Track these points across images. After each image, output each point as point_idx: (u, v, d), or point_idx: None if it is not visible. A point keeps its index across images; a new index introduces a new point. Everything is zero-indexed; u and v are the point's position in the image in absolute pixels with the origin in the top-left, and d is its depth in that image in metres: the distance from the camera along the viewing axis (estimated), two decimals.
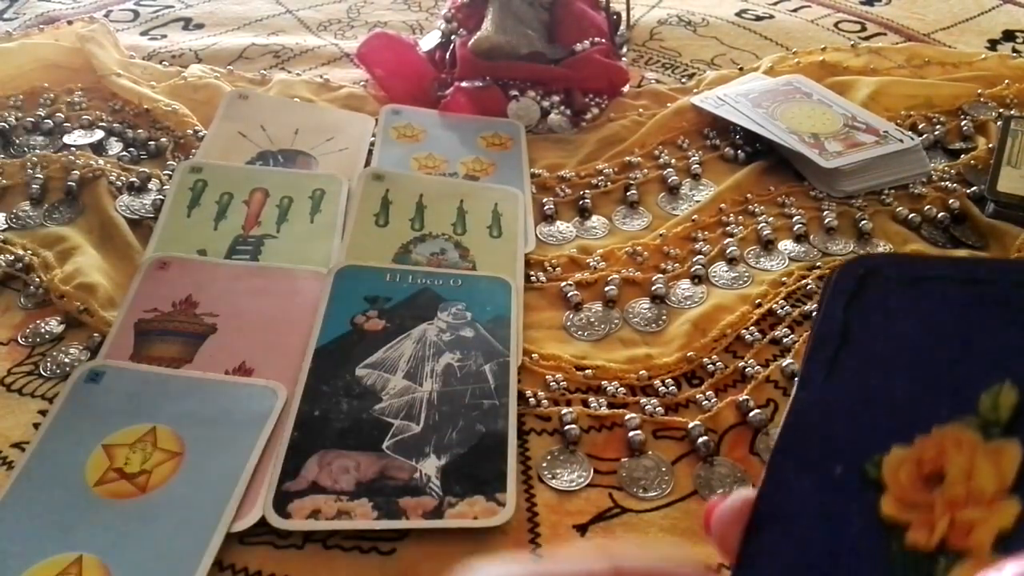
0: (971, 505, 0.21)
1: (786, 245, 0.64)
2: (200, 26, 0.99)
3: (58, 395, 0.49)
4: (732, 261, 0.62)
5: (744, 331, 0.56)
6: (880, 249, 0.63)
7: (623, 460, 0.48)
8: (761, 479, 0.25)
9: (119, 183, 0.68)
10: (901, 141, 0.70)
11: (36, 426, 0.49)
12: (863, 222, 0.65)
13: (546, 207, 0.67)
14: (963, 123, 0.77)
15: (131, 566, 0.40)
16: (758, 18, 1.01)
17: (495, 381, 0.51)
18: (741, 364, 0.53)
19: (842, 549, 0.22)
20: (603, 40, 0.81)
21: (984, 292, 0.23)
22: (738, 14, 1.02)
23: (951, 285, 0.24)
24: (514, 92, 0.78)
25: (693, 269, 0.61)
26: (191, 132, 0.74)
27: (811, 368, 0.25)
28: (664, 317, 0.58)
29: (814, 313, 0.28)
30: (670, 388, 0.52)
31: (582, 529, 0.44)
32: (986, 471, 0.21)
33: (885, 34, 0.98)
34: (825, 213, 0.66)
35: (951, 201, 0.68)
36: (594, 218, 0.68)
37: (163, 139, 0.74)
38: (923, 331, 0.24)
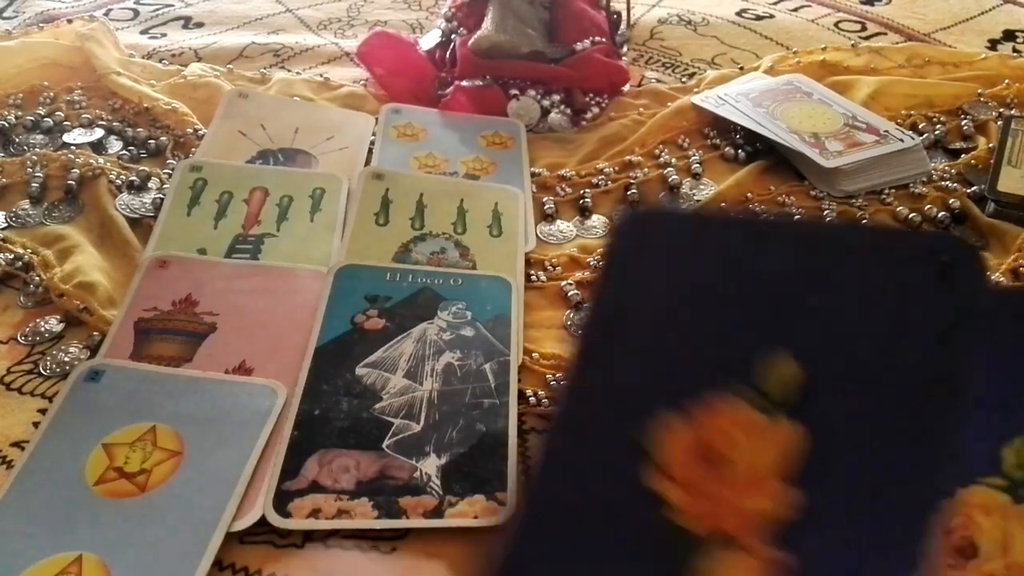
0: (744, 490, 0.19)
1: None
2: (200, 25, 0.99)
3: (57, 394, 0.49)
4: None
5: None
6: None
7: None
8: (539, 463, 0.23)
9: (119, 182, 0.68)
10: (901, 141, 0.70)
11: (36, 425, 0.49)
12: (864, 221, 0.65)
13: (546, 206, 0.67)
14: (963, 123, 0.77)
15: (131, 565, 0.40)
16: (758, 17, 1.01)
17: (495, 380, 0.51)
18: None
19: (613, 519, 0.21)
20: (603, 39, 0.81)
21: (765, 246, 0.21)
22: (738, 13, 1.02)
23: (733, 238, 0.22)
24: (514, 91, 0.78)
25: None
26: (191, 131, 0.74)
27: (592, 329, 0.23)
28: None
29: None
30: None
31: None
32: (764, 453, 0.19)
33: (885, 34, 0.98)
34: (825, 212, 0.66)
35: (951, 201, 0.67)
36: (594, 217, 0.67)
37: (163, 138, 0.74)
38: (695, 290, 0.22)
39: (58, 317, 0.56)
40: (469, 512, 0.44)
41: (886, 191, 0.69)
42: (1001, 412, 0.21)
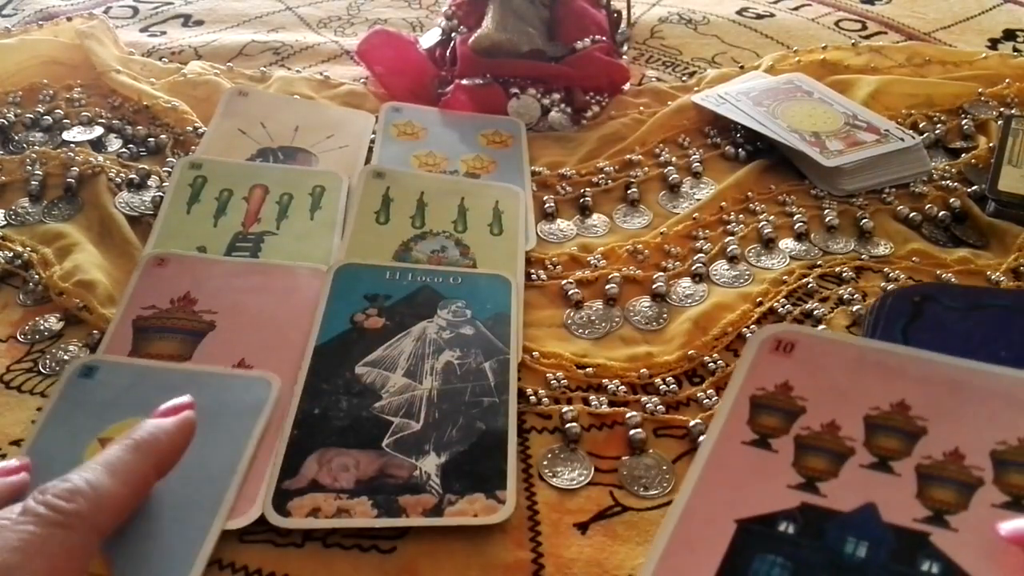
0: None
1: (787, 243, 0.64)
2: (200, 23, 0.99)
3: (51, 390, 0.49)
4: (733, 259, 0.62)
5: (745, 329, 0.56)
6: (881, 248, 0.63)
7: (624, 458, 0.48)
8: None
9: (118, 180, 0.67)
10: (902, 140, 0.70)
11: (35, 423, 0.48)
12: (864, 221, 0.65)
13: (547, 205, 0.67)
14: (964, 122, 0.77)
15: (131, 557, 0.40)
16: (759, 16, 1.01)
17: (495, 379, 0.51)
18: None
19: None
20: (604, 38, 0.81)
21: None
22: (739, 12, 1.02)
23: (1004, 313, 0.25)
24: (515, 90, 0.78)
25: (694, 267, 0.61)
26: (191, 129, 0.74)
27: None
28: (665, 315, 0.58)
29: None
30: (671, 386, 0.52)
31: (583, 527, 0.44)
32: None
33: (886, 33, 0.98)
34: (826, 212, 0.66)
35: (952, 200, 0.67)
36: (595, 216, 0.67)
37: (163, 136, 0.74)
38: (978, 352, 0.24)
39: (57, 315, 0.56)
40: (469, 511, 0.44)
41: (887, 190, 0.69)
42: None
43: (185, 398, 0.42)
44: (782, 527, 0.26)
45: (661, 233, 0.65)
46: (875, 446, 0.28)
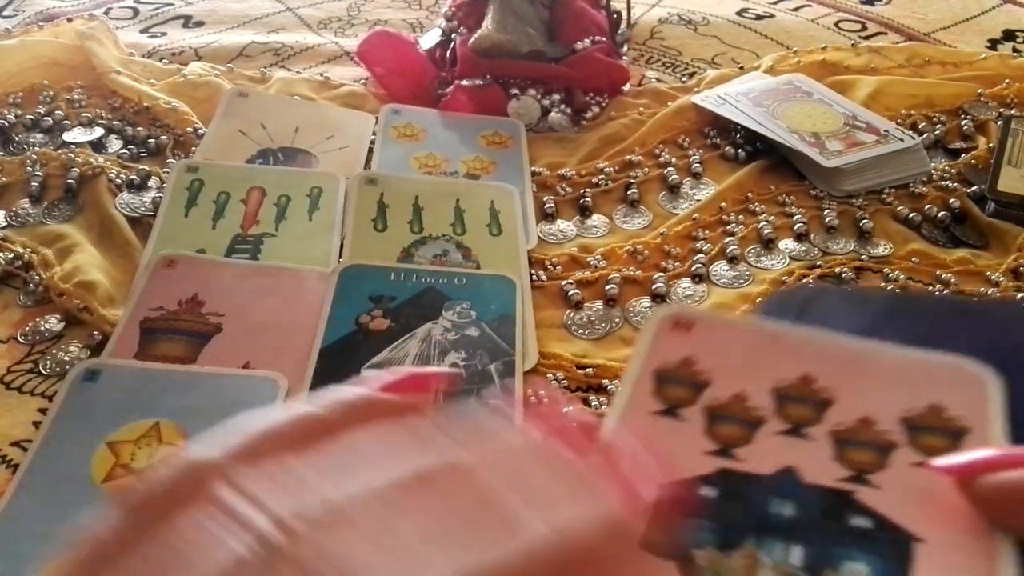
0: None
1: (787, 244, 0.64)
2: (200, 24, 0.99)
3: (56, 395, 0.49)
4: (733, 260, 0.62)
5: None
6: (880, 248, 0.63)
7: None
8: None
9: (119, 181, 0.67)
10: (902, 140, 0.70)
11: (36, 424, 0.48)
12: (864, 221, 0.65)
13: (547, 206, 0.67)
14: (963, 123, 0.77)
15: None
16: (758, 17, 1.01)
17: (500, 381, 0.51)
18: None
19: None
20: (604, 39, 0.81)
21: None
22: (739, 13, 1.02)
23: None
24: (514, 91, 0.78)
25: (694, 268, 0.61)
26: (191, 130, 0.74)
27: None
28: None
29: None
30: None
31: None
32: None
33: (885, 33, 0.98)
34: (826, 212, 0.66)
35: (951, 200, 0.68)
36: (595, 217, 0.67)
37: (163, 137, 0.74)
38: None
39: (58, 316, 0.56)
40: None
41: (886, 191, 0.69)
42: None
43: (437, 371, 0.28)
44: (703, 492, 0.26)
45: (661, 234, 0.65)
46: (786, 415, 0.29)
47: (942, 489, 0.25)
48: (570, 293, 0.59)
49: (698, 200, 0.69)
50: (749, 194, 0.69)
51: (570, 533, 0.18)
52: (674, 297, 0.59)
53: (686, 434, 0.28)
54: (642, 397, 0.29)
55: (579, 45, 0.80)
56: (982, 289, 0.59)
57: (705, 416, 0.29)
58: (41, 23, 0.92)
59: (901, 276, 0.60)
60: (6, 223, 0.64)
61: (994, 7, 1.03)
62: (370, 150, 0.73)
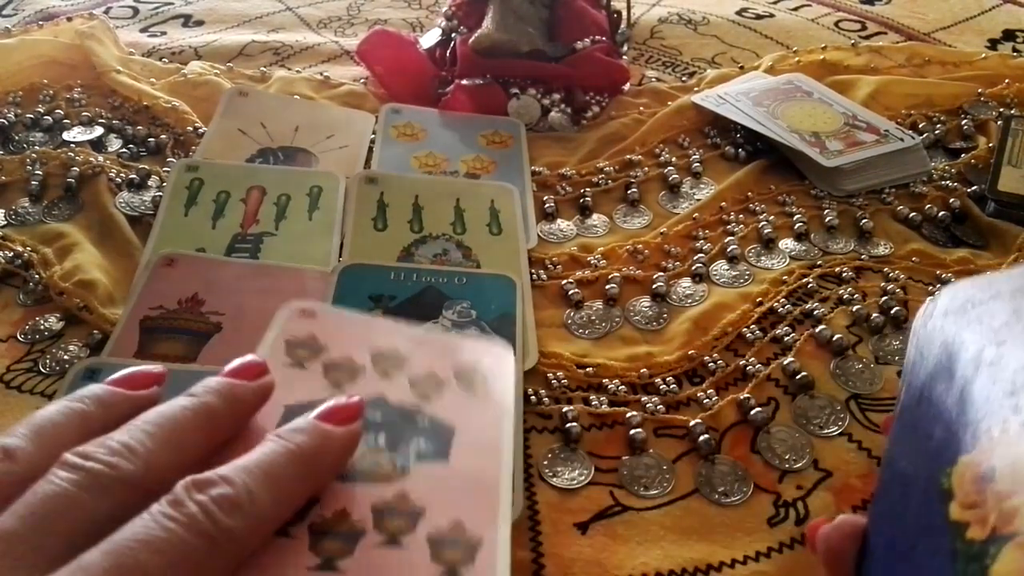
0: (1016, 494, 0.22)
1: (787, 243, 0.64)
2: (200, 23, 0.99)
3: (55, 395, 0.49)
4: (733, 259, 0.62)
5: (745, 329, 0.56)
6: (880, 248, 0.63)
7: (624, 458, 0.48)
8: (870, 508, 0.27)
9: (119, 180, 0.67)
10: (902, 140, 0.70)
11: None
12: (864, 221, 0.65)
13: (547, 205, 0.67)
14: (963, 122, 0.77)
15: None
16: (758, 17, 1.01)
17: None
18: (742, 362, 0.53)
19: (921, 554, 0.25)
20: (604, 38, 0.81)
21: None
22: (739, 13, 1.02)
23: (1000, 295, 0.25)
24: (515, 90, 0.78)
25: (694, 267, 0.61)
26: (191, 129, 0.74)
27: (907, 400, 0.27)
28: (665, 315, 0.58)
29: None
30: (671, 386, 0.52)
31: (583, 527, 0.44)
32: None
33: (885, 33, 0.98)
34: (826, 212, 0.66)
35: (952, 200, 0.68)
36: (595, 216, 0.67)
37: (163, 136, 0.74)
38: (977, 339, 0.25)
39: (58, 315, 0.56)
40: None
41: (886, 190, 0.69)
42: None
43: (356, 399, 0.32)
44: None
45: (661, 233, 0.65)
46: (379, 368, 0.39)
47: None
48: (570, 292, 0.59)
49: (698, 200, 0.69)
50: (749, 194, 0.69)
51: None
52: (674, 296, 0.59)
53: (308, 380, 0.37)
54: (275, 359, 0.39)
55: (579, 44, 0.80)
56: None
57: (323, 368, 0.39)
58: (41, 22, 0.92)
59: (901, 276, 0.60)
60: (6, 222, 0.64)
61: (994, 7, 1.04)
62: (370, 149, 0.73)
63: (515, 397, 0.44)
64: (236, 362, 0.33)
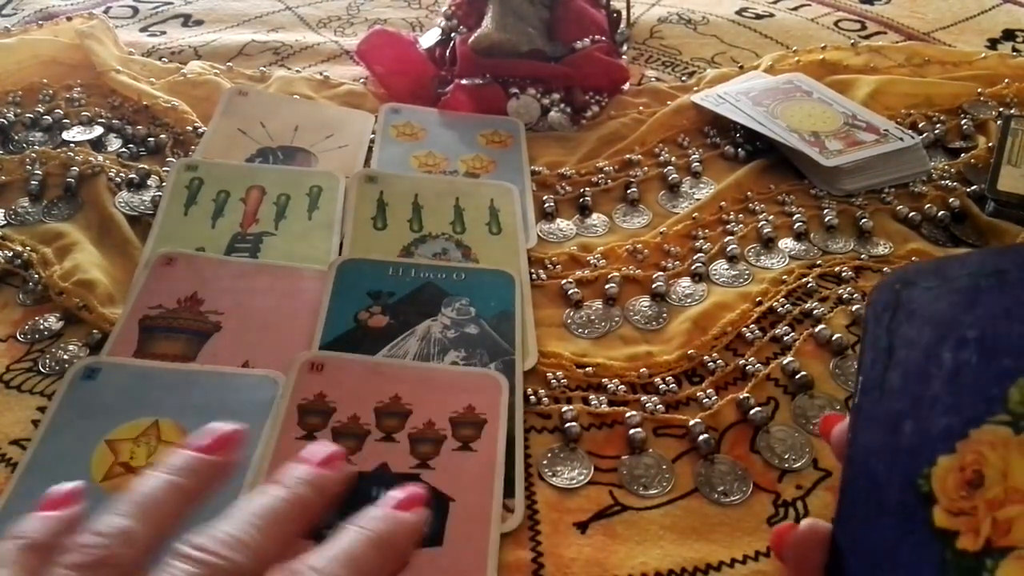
0: (1009, 503, 0.21)
1: (786, 243, 0.64)
2: (199, 23, 0.99)
3: (55, 394, 0.49)
4: (732, 259, 0.62)
5: (745, 329, 0.56)
6: (880, 248, 0.63)
7: (624, 458, 0.48)
8: (835, 510, 0.27)
9: (118, 179, 0.67)
10: (901, 140, 0.70)
11: (35, 423, 0.48)
12: (863, 220, 0.65)
13: (546, 205, 0.67)
14: (963, 122, 0.77)
15: None
16: (758, 16, 1.01)
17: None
18: (741, 362, 0.53)
19: (904, 562, 0.24)
20: (603, 38, 0.81)
21: (1004, 282, 0.24)
22: (738, 12, 1.02)
23: (972, 283, 0.24)
24: (514, 90, 0.78)
25: (694, 267, 0.61)
26: (191, 129, 0.74)
27: (865, 394, 0.26)
28: (665, 315, 0.58)
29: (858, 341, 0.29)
30: (670, 386, 0.52)
31: (582, 527, 0.44)
32: (1019, 467, 0.21)
33: (885, 33, 0.98)
34: (825, 211, 0.66)
35: (951, 200, 0.68)
36: (594, 216, 0.67)
37: (163, 135, 0.74)
38: (950, 335, 0.24)
39: (57, 315, 0.56)
40: None
41: (886, 190, 0.69)
42: (1011, 355, 0.23)
43: (419, 488, 0.33)
44: None
45: (661, 233, 0.65)
46: (383, 426, 0.46)
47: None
48: (570, 292, 0.59)
49: (698, 199, 0.69)
50: (749, 193, 0.69)
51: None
52: (674, 296, 0.59)
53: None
54: (290, 426, 0.45)
55: (579, 44, 0.80)
56: None
57: (332, 435, 0.46)
58: (40, 22, 0.92)
59: None
60: (5, 221, 0.64)
61: (994, 7, 1.04)
62: (370, 149, 0.73)
63: (513, 424, 0.48)
64: (320, 450, 0.32)
